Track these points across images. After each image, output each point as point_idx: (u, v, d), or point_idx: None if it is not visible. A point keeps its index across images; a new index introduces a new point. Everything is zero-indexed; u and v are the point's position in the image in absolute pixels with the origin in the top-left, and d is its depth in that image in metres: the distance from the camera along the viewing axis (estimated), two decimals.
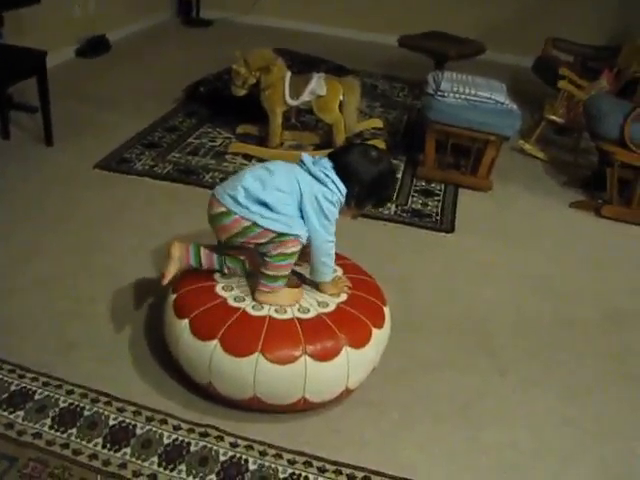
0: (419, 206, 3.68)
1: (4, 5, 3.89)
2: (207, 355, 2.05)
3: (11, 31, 4.23)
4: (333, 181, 2.14)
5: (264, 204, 2.08)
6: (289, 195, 2.10)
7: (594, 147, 4.14)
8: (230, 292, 2.21)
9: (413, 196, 3.79)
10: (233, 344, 2.03)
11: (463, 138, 3.91)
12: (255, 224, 2.08)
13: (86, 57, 5.56)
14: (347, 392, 2.17)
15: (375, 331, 2.16)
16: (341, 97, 3.89)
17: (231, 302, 2.16)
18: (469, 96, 3.80)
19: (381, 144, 4.19)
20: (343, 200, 2.18)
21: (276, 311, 2.13)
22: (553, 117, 4.54)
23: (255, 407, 2.12)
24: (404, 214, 3.57)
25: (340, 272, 2.35)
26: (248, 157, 3.98)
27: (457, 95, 3.81)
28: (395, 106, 5.21)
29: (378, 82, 5.75)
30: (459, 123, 3.80)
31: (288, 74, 3.90)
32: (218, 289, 2.22)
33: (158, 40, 6.46)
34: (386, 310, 2.28)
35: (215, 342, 2.04)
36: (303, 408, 2.13)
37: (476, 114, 3.77)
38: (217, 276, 2.28)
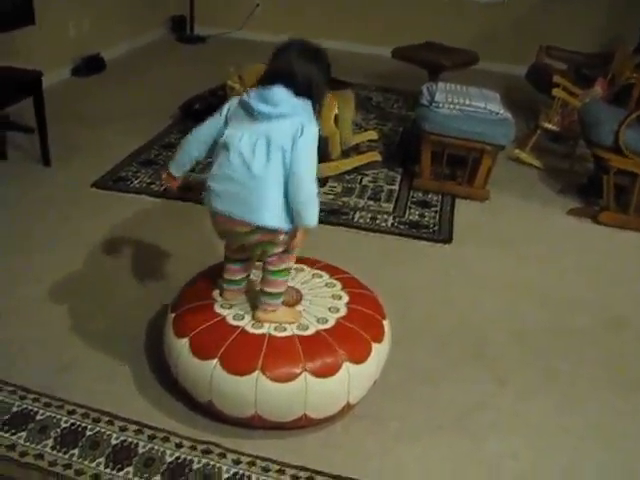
0: (416, 217, 3.69)
1: None
2: (207, 374, 2.05)
3: (6, 51, 4.25)
4: (302, 107, 2.01)
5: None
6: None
7: (590, 154, 4.16)
8: (229, 310, 2.21)
9: (410, 207, 3.80)
10: (233, 363, 2.03)
11: (459, 148, 3.92)
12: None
13: (81, 76, 5.59)
14: (348, 407, 2.17)
15: (375, 345, 2.17)
16: (336, 111, 3.91)
17: (230, 320, 2.16)
18: (463, 106, 3.83)
19: (377, 156, 4.21)
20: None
21: (275, 329, 2.13)
22: (548, 125, 4.56)
23: (257, 424, 2.12)
24: (401, 226, 3.58)
25: (339, 286, 2.37)
26: None
27: (452, 106, 3.83)
28: (390, 118, 5.23)
29: (372, 94, 5.78)
30: (454, 133, 3.82)
31: None
32: (217, 307, 2.22)
33: (153, 57, 6.49)
34: (386, 324, 2.29)
35: (215, 361, 2.04)
36: (305, 424, 2.13)
37: (471, 124, 3.79)
38: (215, 294, 2.29)
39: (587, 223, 3.83)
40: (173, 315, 2.25)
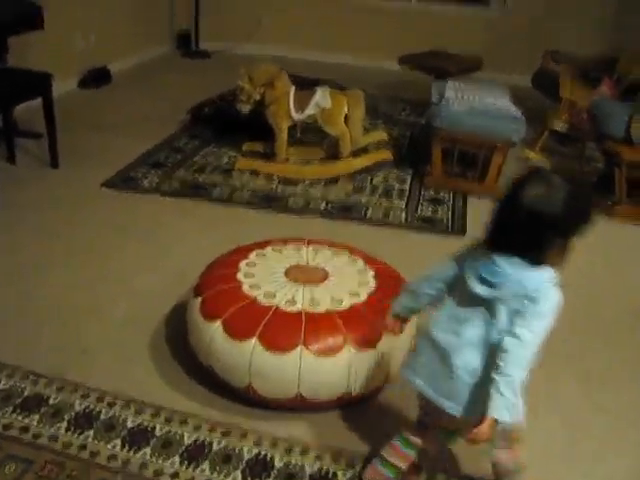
0: (429, 213, 3.66)
1: (8, 30, 3.92)
2: (246, 355, 1.98)
3: (16, 57, 4.25)
4: None
5: None
6: None
7: (599, 153, 4.14)
8: (259, 290, 2.15)
9: (422, 204, 3.77)
10: (274, 340, 1.97)
11: (469, 145, 3.89)
12: None
13: (88, 88, 5.59)
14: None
15: None
16: (346, 109, 3.90)
17: (262, 300, 2.11)
18: (474, 103, 3.81)
19: (388, 154, 4.19)
20: None
21: (310, 305, 2.09)
22: (556, 127, 4.53)
23: (297, 406, 2.05)
24: (415, 221, 3.54)
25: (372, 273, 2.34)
26: (255, 173, 3.97)
27: (462, 102, 3.81)
28: (397, 123, 5.20)
29: (380, 104, 5.73)
30: (465, 129, 3.78)
31: (292, 88, 3.91)
32: (245, 289, 2.16)
33: (158, 71, 6.48)
34: None
35: (254, 340, 1.98)
36: (347, 402, 2.08)
37: (481, 120, 3.76)
38: (241, 276, 2.24)
39: (601, 218, 3.79)
40: (199, 299, 2.18)
